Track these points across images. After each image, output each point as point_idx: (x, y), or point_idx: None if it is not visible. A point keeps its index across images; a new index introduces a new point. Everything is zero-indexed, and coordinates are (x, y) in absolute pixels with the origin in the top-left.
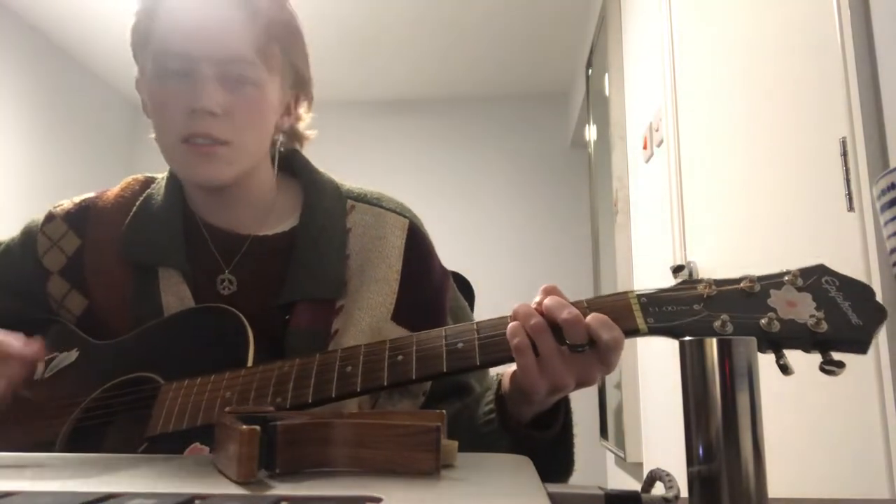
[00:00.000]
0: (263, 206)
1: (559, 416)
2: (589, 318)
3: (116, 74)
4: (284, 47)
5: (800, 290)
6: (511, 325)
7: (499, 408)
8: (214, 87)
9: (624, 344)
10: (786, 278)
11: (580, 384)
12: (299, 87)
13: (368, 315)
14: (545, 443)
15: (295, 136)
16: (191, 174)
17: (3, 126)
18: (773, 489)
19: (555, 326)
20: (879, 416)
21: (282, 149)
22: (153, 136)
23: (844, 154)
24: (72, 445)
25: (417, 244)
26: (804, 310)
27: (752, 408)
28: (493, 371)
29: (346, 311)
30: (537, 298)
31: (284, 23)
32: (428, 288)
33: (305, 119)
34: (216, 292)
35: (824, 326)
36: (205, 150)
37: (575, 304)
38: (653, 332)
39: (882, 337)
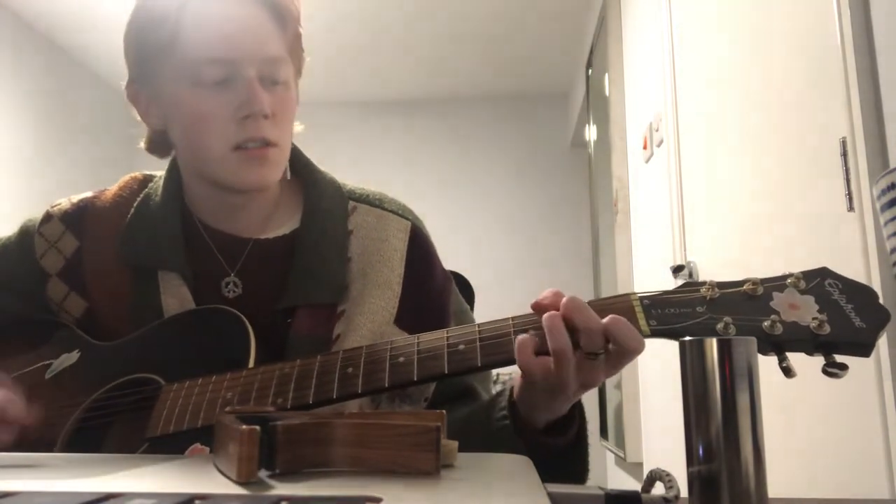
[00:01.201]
0: (267, 209)
1: (573, 422)
2: (606, 320)
3: (116, 73)
4: (298, 46)
5: (803, 292)
6: (548, 324)
7: (512, 415)
8: (261, 90)
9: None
10: (788, 281)
11: (584, 387)
12: (296, 81)
13: (370, 320)
14: (559, 449)
15: None
16: (243, 180)
17: (2, 126)
18: (773, 489)
19: (571, 329)
20: (879, 416)
21: None
22: (142, 145)
23: (844, 154)
24: (72, 446)
25: (420, 247)
26: (807, 312)
27: (752, 408)
28: (494, 372)
29: (347, 315)
30: (546, 294)
31: (298, 19)
32: (431, 291)
33: None
34: (221, 296)
35: (827, 329)
36: (258, 154)
37: None
38: (655, 334)
39: (882, 339)
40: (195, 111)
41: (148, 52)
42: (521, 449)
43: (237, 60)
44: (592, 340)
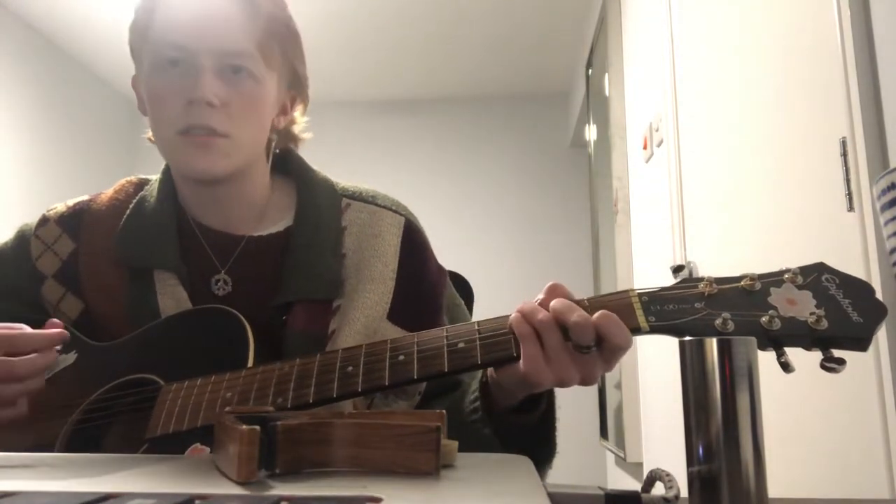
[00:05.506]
0: (258, 206)
1: (541, 401)
2: (597, 316)
3: (116, 74)
4: (283, 46)
5: (800, 287)
6: (514, 316)
7: (483, 395)
8: (212, 79)
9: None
10: (786, 276)
11: (583, 381)
12: (296, 88)
13: (364, 315)
14: (526, 427)
15: (290, 137)
16: (188, 166)
17: (2, 126)
18: (774, 489)
19: (562, 328)
20: (879, 416)
21: (277, 150)
22: (148, 134)
23: (844, 154)
24: (71, 447)
25: (413, 242)
26: (804, 307)
27: (752, 408)
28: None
29: (342, 311)
30: (541, 297)
31: (284, 22)
32: (424, 286)
33: (300, 122)
34: (211, 293)
35: (825, 324)
36: (202, 140)
37: (576, 303)
38: (654, 330)
39: (882, 337)
40: (154, 92)
41: (135, 38)
42: (489, 430)
43: (192, 48)
44: (582, 335)
